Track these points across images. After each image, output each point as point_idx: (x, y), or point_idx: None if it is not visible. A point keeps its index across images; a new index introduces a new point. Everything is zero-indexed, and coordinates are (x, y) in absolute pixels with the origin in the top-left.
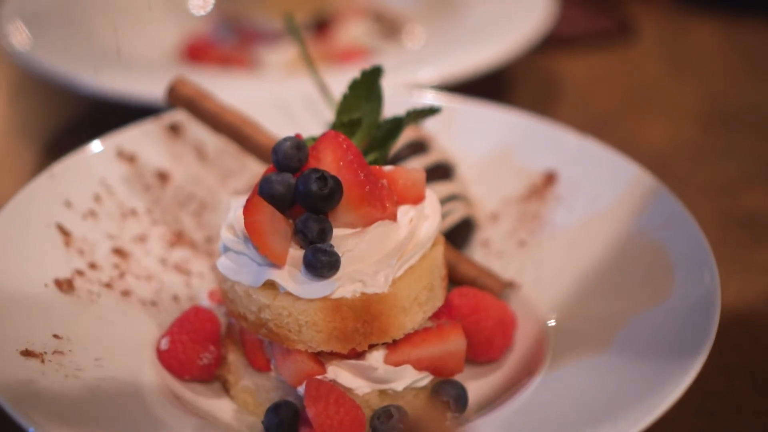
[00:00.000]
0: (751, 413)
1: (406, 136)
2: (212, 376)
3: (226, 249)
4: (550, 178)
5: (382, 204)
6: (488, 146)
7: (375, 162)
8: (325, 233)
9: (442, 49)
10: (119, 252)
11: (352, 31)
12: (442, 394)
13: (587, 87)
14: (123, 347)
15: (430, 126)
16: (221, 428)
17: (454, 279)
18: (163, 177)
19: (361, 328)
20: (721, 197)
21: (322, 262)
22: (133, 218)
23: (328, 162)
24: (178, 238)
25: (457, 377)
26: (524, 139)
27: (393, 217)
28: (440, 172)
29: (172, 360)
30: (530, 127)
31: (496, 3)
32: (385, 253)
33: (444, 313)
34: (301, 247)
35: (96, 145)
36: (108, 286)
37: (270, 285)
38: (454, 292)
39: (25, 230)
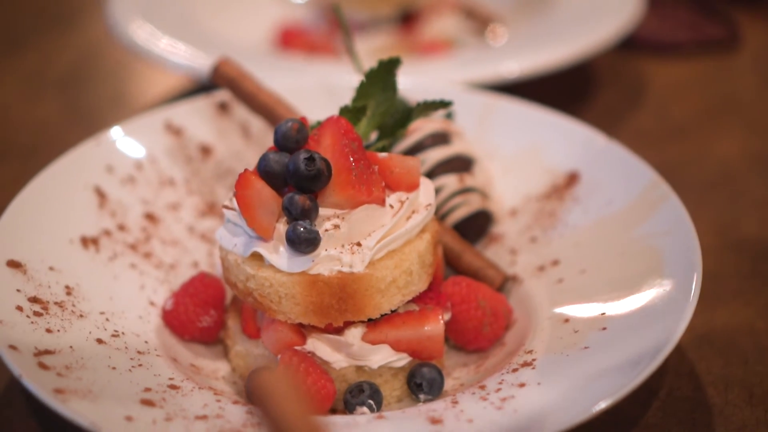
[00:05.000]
0: (736, 427)
1: (431, 126)
2: (214, 339)
3: (228, 221)
4: (572, 179)
5: (368, 188)
6: (519, 143)
7: (382, 149)
8: (308, 211)
9: (524, 46)
10: (150, 217)
11: (440, 25)
12: (416, 376)
13: (674, 92)
14: (131, 305)
15: (465, 119)
16: (210, 384)
17: (458, 268)
18: (206, 151)
19: (336, 304)
20: None
21: (300, 238)
22: (170, 187)
23: (326, 145)
24: (210, 209)
25: (446, 362)
26: (554, 139)
27: (380, 202)
28: (458, 164)
29: (174, 320)
30: (561, 127)
31: (585, 5)
32: (365, 235)
33: (432, 299)
34: (288, 223)
35: (145, 117)
36: (132, 247)
37: (257, 257)
38: (449, 280)
39: (63, 190)
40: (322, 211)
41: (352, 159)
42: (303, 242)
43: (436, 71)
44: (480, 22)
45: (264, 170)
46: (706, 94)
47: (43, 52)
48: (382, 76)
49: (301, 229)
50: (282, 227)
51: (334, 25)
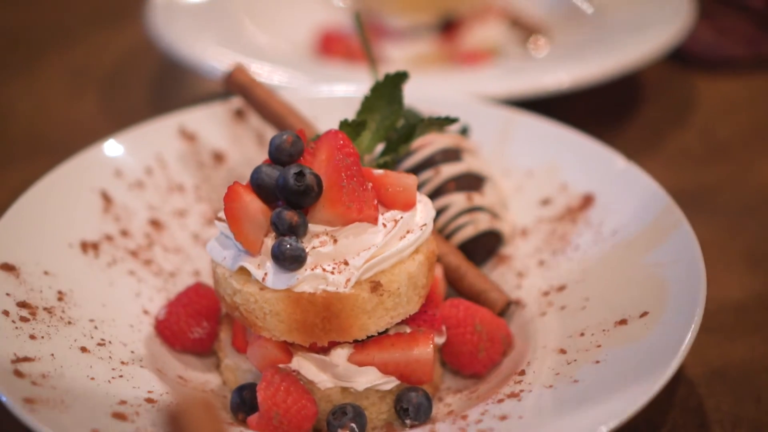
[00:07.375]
0: None
1: (443, 142)
2: (207, 350)
3: (220, 233)
4: (587, 201)
5: (359, 206)
6: (537, 161)
7: (384, 165)
8: (295, 227)
9: (567, 57)
10: (155, 223)
11: (482, 34)
12: (403, 400)
13: (722, 109)
14: (124, 313)
15: (484, 134)
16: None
17: (460, 290)
18: (218, 157)
19: (320, 324)
20: None
21: (285, 255)
22: (178, 193)
23: (321, 159)
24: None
25: (441, 386)
26: (572, 158)
27: (371, 220)
28: (468, 182)
29: (166, 330)
30: (581, 146)
31: (630, 17)
32: (355, 254)
33: (425, 321)
34: (276, 238)
35: (159, 121)
36: (133, 253)
37: (244, 271)
38: (447, 302)
39: (69, 192)
40: (312, 228)
41: (344, 175)
42: (288, 259)
43: (474, 81)
44: (525, 31)
45: (256, 183)
46: (756, 113)
47: (91, 49)
48: (388, 90)
49: (287, 245)
50: (270, 242)
51: (372, 32)
